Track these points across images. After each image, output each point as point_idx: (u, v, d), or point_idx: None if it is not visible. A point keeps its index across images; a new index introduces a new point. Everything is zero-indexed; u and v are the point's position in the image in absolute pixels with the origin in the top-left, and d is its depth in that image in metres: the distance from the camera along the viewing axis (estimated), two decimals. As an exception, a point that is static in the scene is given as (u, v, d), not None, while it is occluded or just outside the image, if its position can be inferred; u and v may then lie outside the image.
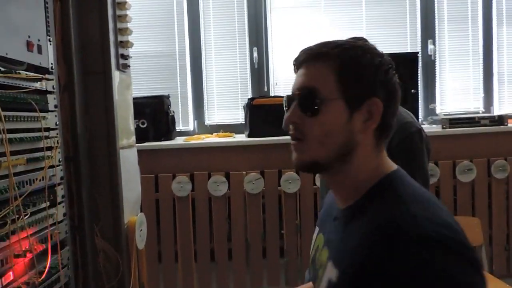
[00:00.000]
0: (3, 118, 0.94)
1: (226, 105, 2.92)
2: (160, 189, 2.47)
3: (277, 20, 2.86)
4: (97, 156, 1.41)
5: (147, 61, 2.82)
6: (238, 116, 2.88)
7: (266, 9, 2.83)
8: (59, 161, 1.22)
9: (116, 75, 1.45)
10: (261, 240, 2.50)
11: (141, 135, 2.41)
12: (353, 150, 0.74)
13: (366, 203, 0.74)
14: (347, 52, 0.75)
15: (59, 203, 1.20)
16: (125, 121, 1.53)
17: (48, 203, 1.13)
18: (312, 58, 0.77)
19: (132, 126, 1.61)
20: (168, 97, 2.72)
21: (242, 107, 2.75)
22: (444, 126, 2.47)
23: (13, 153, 1.00)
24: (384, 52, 0.79)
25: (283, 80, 2.89)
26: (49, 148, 1.16)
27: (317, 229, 0.95)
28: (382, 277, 0.63)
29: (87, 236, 1.37)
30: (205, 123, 2.90)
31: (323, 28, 2.81)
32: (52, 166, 1.17)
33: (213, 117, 2.91)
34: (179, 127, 2.86)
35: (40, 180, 1.10)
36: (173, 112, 2.73)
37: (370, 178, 0.76)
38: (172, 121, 2.70)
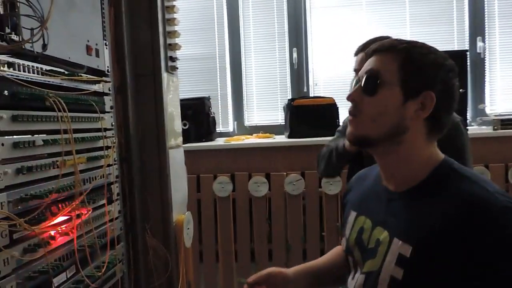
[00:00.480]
0: (69, 119, 0.99)
1: (266, 106, 2.93)
2: (202, 189, 2.52)
3: (317, 20, 2.84)
4: (147, 157, 1.46)
5: (187, 64, 2.87)
6: (278, 117, 2.89)
7: (306, 9, 2.83)
8: (115, 160, 1.27)
9: (165, 77, 1.50)
10: (301, 242, 2.50)
11: (183, 136, 2.46)
12: (403, 133, 0.84)
13: (434, 184, 0.84)
14: (414, 48, 0.86)
15: (113, 201, 1.25)
16: (173, 122, 1.57)
17: (106, 201, 1.18)
18: (383, 49, 0.87)
19: (179, 127, 1.65)
20: (208, 98, 2.77)
21: (282, 108, 2.76)
22: (496, 127, 2.37)
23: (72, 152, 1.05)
24: None
25: (323, 81, 2.87)
26: (106, 148, 1.21)
27: (352, 212, 1.02)
28: (476, 247, 0.73)
29: (138, 234, 1.42)
30: (245, 124, 2.92)
31: (364, 27, 2.76)
32: (108, 165, 1.22)
33: (252, 118, 2.93)
34: (219, 128, 2.90)
35: (100, 178, 1.15)
36: (214, 113, 2.78)
37: (427, 164, 0.86)
38: (212, 122, 2.75)
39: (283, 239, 2.50)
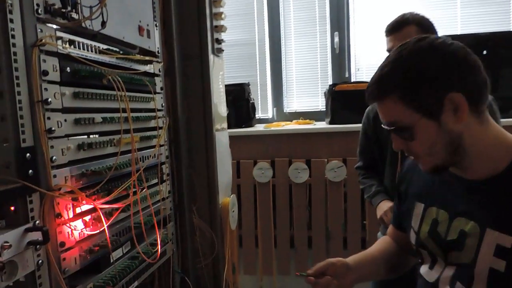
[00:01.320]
0: (126, 98, 1.00)
1: (306, 92, 2.89)
2: (242, 175, 2.52)
3: (359, 3, 2.75)
4: (194, 139, 1.47)
5: (227, 50, 2.84)
6: (318, 103, 2.84)
7: (348, -8, 2.74)
8: (165, 141, 1.28)
9: (211, 59, 1.49)
10: (342, 229, 2.46)
11: (224, 122, 2.48)
12: (461, 140, 0.82)
13: None
14: (400, 74, 0.81)
15: (164, 180, 1.27)
16: (219, 105, 1.57)
17: (159, 180, 1.19)
18: (377, 97, 0.85)
19: (224, 111, 1.65)
20: (248, 84, 2.75)
21: (323, 94, 2.71)
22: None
23: (127, 131, 1.06)
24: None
25: (365, 66, 2.79)
26: (159, 128, 1.23)
27: (418, 204, 0.98)
28: None
29: (186, 215, 1.43)
30: (284, 111, 2.90)
31: (410, 10, 2.64)
32: (160, 145, 1.24)
33: (292, 104, 2.90)
34: (258, 114, 2.89)
35: (152, 158, 1.17)
36: (253, 99, 2.77)
37: (507, 150, 0.82)
38: (252, 109, 2.74)
39: (323, 226, 2.48)
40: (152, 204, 1.17)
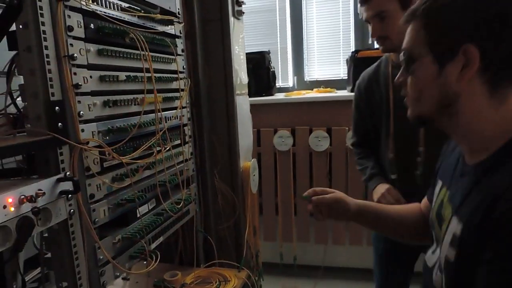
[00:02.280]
0: (150, 57, 1.01)
1: (327, 60, 2.84)
2: (262, 143, 2.54)
3: (384, -34, 2.65)
4: (215, 102, 1.48)
5: (247, 17, 2.81)
6: (339, 72, 2.79)
7: (373, -46, 2.64)
8: (187, 103, 1.30)
9: (232, 21, 1.48)
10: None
11: (244, 90, 2.48)
12: (455, 101, 0.73)
13: (499, 161, 0.70)
14: (433, 4, 0.73)
15: (187, 142, 1.29)
16: (239, 69, 1.57)
17: (180, 141, 1.22)
18: (409, 19, 0.77)
19: (245, 77, 1.64)
20: (268, 52, 2.73)
21: (345, 61, 2.66)
22: None
23: (150, 91, 1.08)
24: None
25: (389, 32, 2.71)
26: (178, 90, 1.24)
27: (439, 182, 0.92)
28: (492, 237, 0.63)
29: (208, 177, 1.46)
30: (305, 79, 2.87)
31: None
32: (183, 107, 1.25)
33: (313, 73, 2.86)
34: (279, 83, 2.87)
35: (174, 119, 1.18)
36: (273, 68, 2.74)
37: (501, 133, 0.71)
38: (272, 77, 2.72)
39: (344, 194, 2.48)
40: (175, 164, 1.20)
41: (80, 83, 0.84)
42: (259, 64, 2.66)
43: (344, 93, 2.55)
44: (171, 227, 1.16)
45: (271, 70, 2.72)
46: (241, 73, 1.59)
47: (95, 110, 0.88)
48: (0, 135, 0.81)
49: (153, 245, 1.06)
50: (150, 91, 1.06)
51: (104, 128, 0.91)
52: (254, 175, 1.60)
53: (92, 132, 0.87)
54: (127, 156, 0.94)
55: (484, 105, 0.71)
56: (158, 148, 1.06)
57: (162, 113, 1.12)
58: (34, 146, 0.75)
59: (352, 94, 2.48)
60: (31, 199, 0.69)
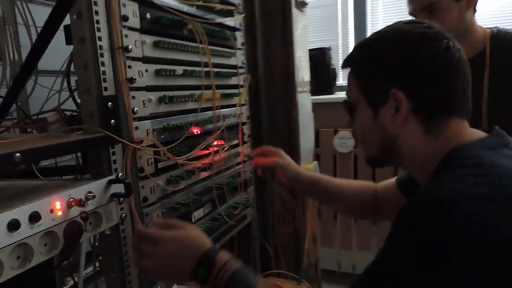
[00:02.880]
0: (209, 51, 0.93)
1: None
2: (321, 144, 2.40)
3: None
4: (276, 99, 1.38)
5: (307, 12, 2.71)
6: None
7: None
8: (245, 100, 1.21)
9: (294, 13, 1.37)
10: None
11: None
12: (395, 142, 0.73)
13: (430, 180, 0.70)
14: (361, 53, 0.75)
15: (245, 142, 1.20)
16: (301, 69, 1.45)
17: (240, 140, 1.13)
18: (344, 66, 0.79)
19: (307, 73, 1.53)
20: (329, 49, 2.59)
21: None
22: None
23: (208, 87, 1.00)
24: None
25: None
26: (240, 86, 1.16)
27: None
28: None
29: (266, 180, 1.36)
30: (368, 77, 2.68)
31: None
32: (242, 104, 1.17)
33: (376, 70, 2.67)
34: (339, 82, 2.72)
35: (233, 117, 1.10)
36: (334, 65, 2.60)
37: (432, 162, 0.70)
38: (333, 75, 2.58)
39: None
40: (232, 166, 1.12)
41: (134, 77, 0.77)
42: (319, 61, 2.52)
43: (412, 92, 2.34)
44: (227, 233, 1.08)
45: (332, 67, 2.58)
46: (303, 69, 1.47)
47: (150, 106, 0.82)
48: (52, 132, 0.77)
49: (208, 253, 0.98)
50: (207, 87, 0.98)
51: (159, 125, 0.84)
52: (315, 178, 1.48)
53: (147, 130, 0.80)
54: (182, 157, 0.87)
55: (421, 141, 0.72)
56: (215, 149, 0.98)
57: (220, 110, 1.04)
58: (83, 145, 0.69)
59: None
60: (80, 203, 0.63)
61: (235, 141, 1.14)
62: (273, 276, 1.31)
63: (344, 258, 2.47)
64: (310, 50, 2.51)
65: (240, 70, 1.17)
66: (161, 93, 0.85)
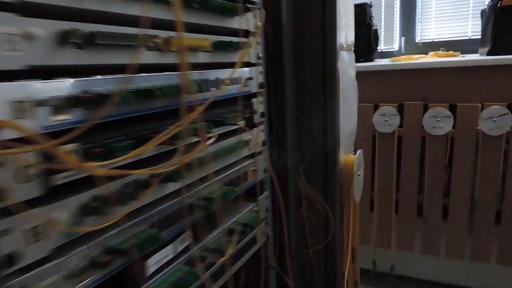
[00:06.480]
0: None
1: (449, 14, 2.05)
2: (358, 122, 1.88)
3: None
4: (306, 57, 0.88)
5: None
6: (466, 29, 1.99)
7: None
8: (258, 57, 0.72)
9: None
10: (496, 200, 1.72)
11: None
12: None
13: None
14: None
15: (255, 125, 0.72)
16: (345, 22, 0.94)
17: (243, 123, 0.65)
18: None
19: (351, 35, 1.01)
20: (370, 6, 2.03)
21: (478, 14, 1.86)
22: None
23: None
24: None
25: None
26: (244, 35, 0.67)
27: None
28: None
29: (289, 178, 0.89)
30: (416, 40, 2.12)
31: None
32: (248, 65, 0.68)
33: (427, 31, 2.10)
34: (380, 47, 2.16)
35: (234, 84, 0.62)
36: (376, 25, 2.05)
37: None
38: (374, 37, 2.03)
39: (468, 193, 1.76)
40: (232, 164, 0.64)
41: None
42: (358, 20, 1.95)
43: (475, 57, 1.77)
44: (221, 275, 0.62)
45: (373, 28, 2.02)
46: (348, 25, 0.96)
47: (31, 49, 0.35)
48: None
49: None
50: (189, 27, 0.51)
51: (57, 94, 0.37)
52: (359, 174, 0.99)
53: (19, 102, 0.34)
54: (110, 161, 0.40)
55: None
56: (195, 139, 0.51)
57: (206, 72, 0.57)
58: None
59: (490, 58, 1.71)
60: None
61: (237, 125, 0.66)
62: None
63: (381, 257, 2.00)
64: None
65: (250, 6, 0.68)
66: (66, 25, 0.37)
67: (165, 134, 0.42)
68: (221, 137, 0.59)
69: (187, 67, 0.44)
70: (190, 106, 0.47)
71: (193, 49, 0.53)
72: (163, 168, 0.43)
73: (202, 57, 0.55)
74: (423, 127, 1.76)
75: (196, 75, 0.53)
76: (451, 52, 1.92)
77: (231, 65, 0.60)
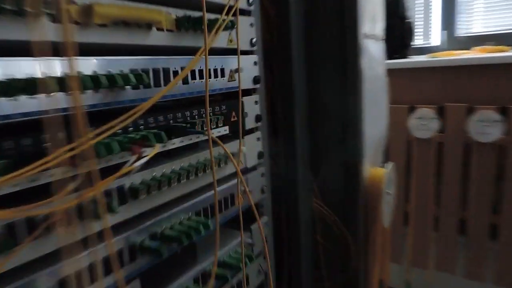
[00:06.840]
0: None
1: (496, 5, 1.80)
2: (392, 126, 1.66)
3: None
4: (321, 45, 0.70)
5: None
6: (517, 20, 1.74)
7: None
8: (253, 42, 0.55)
9: None
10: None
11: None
12: None
13: None
14: None
15: (251, 130, 0.55)
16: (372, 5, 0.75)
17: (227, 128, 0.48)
18: None
19: (380, 26, 0.82)
20: (404, -4, 1.82)
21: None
22: None
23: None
24: None
25: None
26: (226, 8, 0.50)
27: None
28: None
29: (298, 197, 0.70)
30: (458, 34, 1.87)
31: None
32: (234, 52, 0.51)
33: (471, 24, 1.86)
34: (415, 42, 1.94)
35: (216, 78, 0.45)
36: (411, 18, 1.84)
37: None
38: (408, 32, 1.82)
39: (521, 210, 1.50)
40: (204, 188, 0.48)
41: None
42: (391, 12, 1.75)
43: (532, 51, 1.52)
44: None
45: (407, 21, 1.81)
46: (376, 8, 0.77)
47: None
48: None
49: None
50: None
51: None
52: (389, 193, 0.80)
53: None
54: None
55: None
56: (148, 151, 0.34)
57: (160, 59, 0.41)
58: None
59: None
60: None
61: (221, 130, 0.49)
62: None
63: (417, 278, 1.76)
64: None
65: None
66: None
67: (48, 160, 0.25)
68: (187, 150, 0.42)
69: (72, 47, 0.28)
70: (123, 108, 0.31)
71: (139, 25, 0.37)
72: (39, 208, 0.27)
73: (157, 38, 0.39)
74: (466, 132, 1.53)
75: (141, 62, 0.37)
76: (500, 46, 1.67)
77: (217, 52, 0.44)
